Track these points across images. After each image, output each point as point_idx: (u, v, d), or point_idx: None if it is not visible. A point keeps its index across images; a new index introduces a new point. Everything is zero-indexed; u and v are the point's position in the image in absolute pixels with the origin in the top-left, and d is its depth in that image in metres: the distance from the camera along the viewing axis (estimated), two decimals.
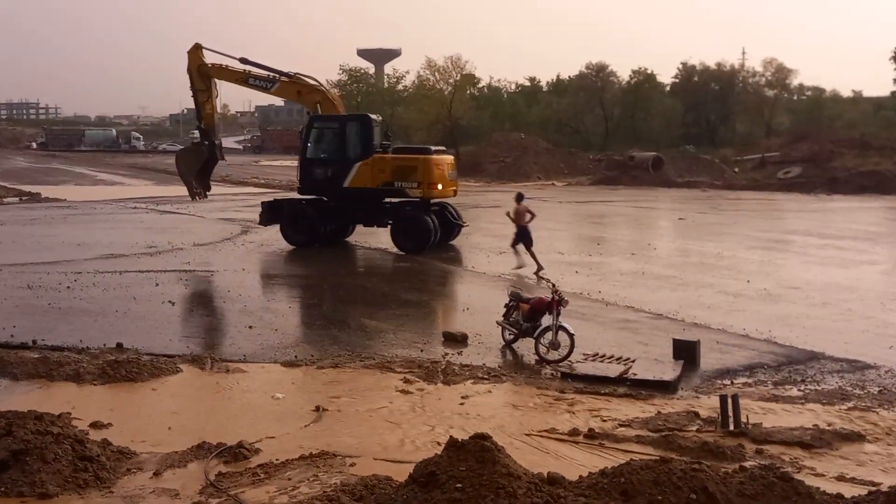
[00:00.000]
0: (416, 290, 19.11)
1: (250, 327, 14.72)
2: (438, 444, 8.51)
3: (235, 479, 8.17)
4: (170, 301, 16.91)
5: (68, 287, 18.45)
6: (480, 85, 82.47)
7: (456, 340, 13.87)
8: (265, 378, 11.91)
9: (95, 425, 9.62)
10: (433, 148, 26.41)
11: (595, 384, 11.57)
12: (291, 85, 26.87)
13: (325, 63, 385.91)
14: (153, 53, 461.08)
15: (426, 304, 17.71)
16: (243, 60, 27.04)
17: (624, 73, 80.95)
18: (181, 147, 29.63)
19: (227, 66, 27.45)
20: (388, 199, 25.37)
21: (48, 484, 7.77)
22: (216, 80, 27.57)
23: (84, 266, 21.33)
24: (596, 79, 78.28)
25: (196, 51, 27.42)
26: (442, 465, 6.87)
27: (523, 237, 21.33)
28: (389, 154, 25.55)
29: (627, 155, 60.41)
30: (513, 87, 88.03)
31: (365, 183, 25.01)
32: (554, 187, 55.35)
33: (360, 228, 27.07)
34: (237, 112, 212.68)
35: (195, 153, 29.02)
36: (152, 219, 33.44)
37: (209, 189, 29.58)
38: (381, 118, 27.63)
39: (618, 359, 12.69)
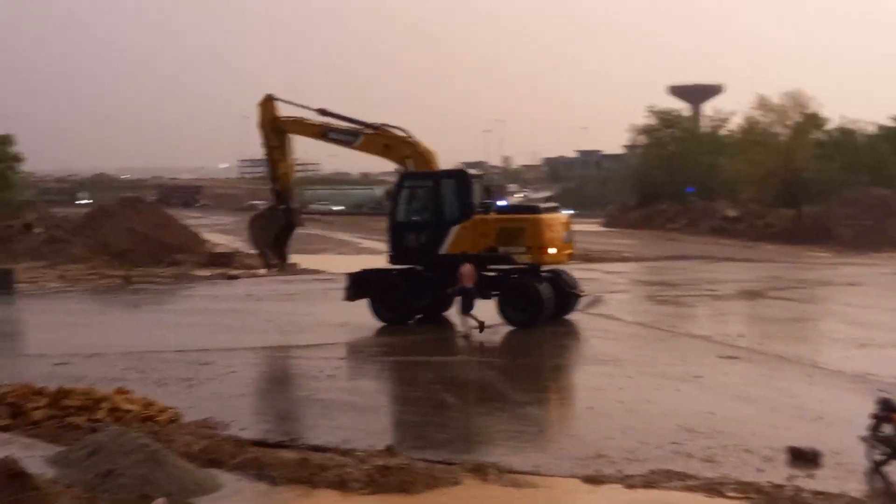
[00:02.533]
0: (742, 389, 18.48)
1: (541, 431, 14.86)
2: None
3: None
4: (449, 395, 17.40)
5: (330, 375, 19.47)
6: (828, 127, 79.83)
7: (805, 459, 13.26)
8: (562, 496, 11.95)
9: None
10: (543, 206, 27.62)
11: None
12: (377, 138, 27.69)
13: (630, 104, 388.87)
14: (420, 100, 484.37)
15: (761, 409, 17.05)
16: (322, 112, 28.25)
17: None
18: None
19: (303, 118, 28.75)
20: (492, 267, 26.05)
21: None
22: (291, 136, 29.05)
23: (349, 350, 22.44)
24: None
25: (268, 103, 28.76)
26: None
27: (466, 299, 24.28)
28: (492, 215, 26.27)
29: None
30: (872, 128, 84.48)
31: (464, 248, 25.74)
32: None
33: None
34: (522, 166, 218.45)
35: (270, 219, 30.09)
36: None
37: (286, 259, 30.66)
38: (482, 173, 28.45)
39: None
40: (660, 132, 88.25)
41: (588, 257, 53.23)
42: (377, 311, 26.64)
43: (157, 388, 18.05)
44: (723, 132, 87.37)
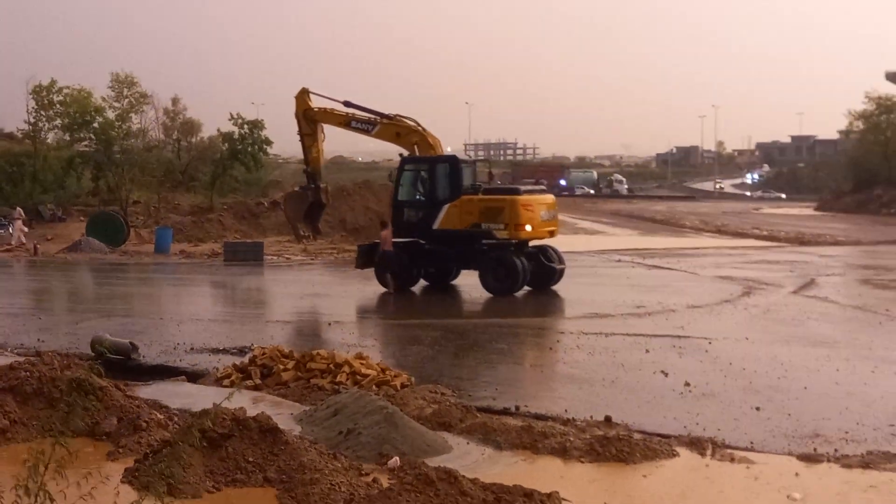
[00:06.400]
0: None
1: (757, 409, 14.44)
2: None
3: None
4: (662, 371, 17.16)
5: (550, 348, 19.51)
6: None
7: None
8: (777, 472, 11.56)
9: None
10: (523, 188, 30.10)
11: None
12: (391, 127, 30.09)
13: (846, 90, 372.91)
14: (638, 87, 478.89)
15: None
16: (347, 104, 30.83)
17: None
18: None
19: (331, 109, 31.39)
20: (485, 242, 27.98)
21: None
22: (322, 125, 31.53)
23: (567, 325, 22.43)
24: None
25: (303, 95, 31.37)
26: None
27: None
28: (478, 196, 28.28)
29: None
30: None
31: (453, 225, 28.06)
32: None
33: None
34: (734, 151, 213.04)
35: (301, 197, 33.13)
36: (639, 274, 34.34)
37: (319, 233, 34.92)
38: (475, 159, 30.29)
39: None
40: (877, 118, 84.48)
41: (801, 240, 51.63)
42: (379, 277, 28.97)
43: (390, 354, 18.54)
44: None
